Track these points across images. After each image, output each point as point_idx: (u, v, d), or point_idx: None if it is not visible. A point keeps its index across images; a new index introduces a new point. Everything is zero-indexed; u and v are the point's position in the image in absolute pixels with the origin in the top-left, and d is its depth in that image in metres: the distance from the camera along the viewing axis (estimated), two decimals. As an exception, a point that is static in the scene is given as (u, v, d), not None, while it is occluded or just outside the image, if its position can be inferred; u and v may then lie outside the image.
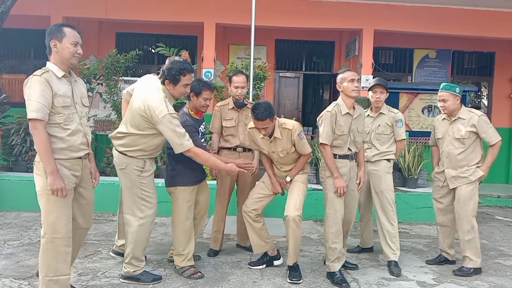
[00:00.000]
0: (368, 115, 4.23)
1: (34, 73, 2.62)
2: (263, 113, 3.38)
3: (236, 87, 4.04)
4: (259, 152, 3.92)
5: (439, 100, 3.91)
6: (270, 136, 3.58)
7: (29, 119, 2.53)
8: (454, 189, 3.93)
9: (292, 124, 3.58)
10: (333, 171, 3.51)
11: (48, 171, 2.57)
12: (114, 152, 3.29)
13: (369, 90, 4.18)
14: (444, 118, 3.99)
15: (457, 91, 3.83)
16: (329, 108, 3.61)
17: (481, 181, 3.87)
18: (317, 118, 3.72)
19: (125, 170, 3.21)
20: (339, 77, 3.61)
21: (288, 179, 3.69)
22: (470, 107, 4.26)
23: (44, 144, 2.54)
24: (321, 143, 3.56)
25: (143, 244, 3.31)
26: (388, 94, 4.17)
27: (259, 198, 3.74)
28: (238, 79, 4.05)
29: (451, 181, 3.92)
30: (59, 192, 2.60)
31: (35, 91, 2.52)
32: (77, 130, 2.71)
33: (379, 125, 4.15)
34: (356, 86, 3.52)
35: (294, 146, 3.58)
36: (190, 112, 3.59)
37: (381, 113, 4.16)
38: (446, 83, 3.92)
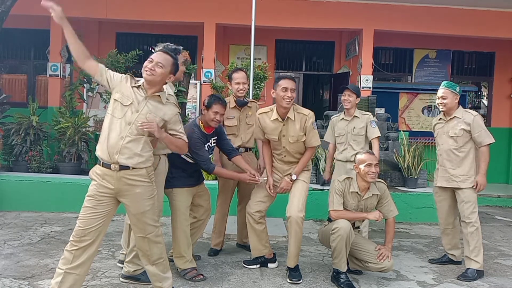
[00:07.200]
0: (343, 118, 4.52)
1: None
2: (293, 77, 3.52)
3: (238, 83, 4.00)
4: (261, 149, 3.90)
5: (438, 97, 3.98)
6: (283, 119, 3.52)
7: None
8: (451, 190, 3.95)
9: (308, 111, 3.56)
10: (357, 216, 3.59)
11: None
12: None
13: (341, 93, 4.53)
14: (440, 118, 4.05)
15: (457, 90, 3.92)
16: (340, 178, 3.64)
17: (479, 191, 3.83)
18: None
19: None
20: (357, 157, 3.57)
21: (294, 177, 3.59)
22: (469, 107, 4.31)
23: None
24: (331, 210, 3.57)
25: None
26: (358, 98, 4.47)
27: (262, 199, 3.68)
28: (239, 75, 4.03)
29: (444, 179, 3.94)
30: None
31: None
32: (112, 127, 2.70)
33: (354, 127, 4.44)
34: (373, 172, 3.45)
35: (305, 134, 3.52)
36: (200, 124, 3.57)
37: (355, 116, 4.45)
38: (447, 81, 4.02)
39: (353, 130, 4.44)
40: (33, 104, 6.55)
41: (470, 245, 3.79)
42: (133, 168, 2.68)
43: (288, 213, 3.49)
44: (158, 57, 2.78)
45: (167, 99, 2.87)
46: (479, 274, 3.78)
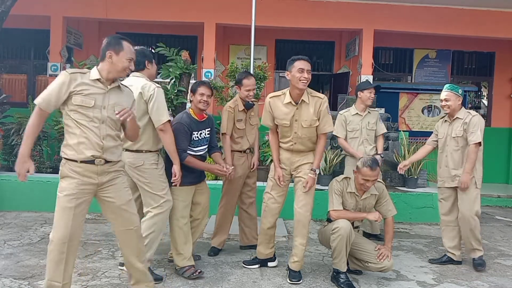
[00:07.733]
0: (357, 113, 4.62)
1: (67, 69, 2.72)
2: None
3: (248, 90, 4.01)
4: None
5: (441, 100, 4.07)
6: (296, 103, 3.43)
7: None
8: (456, 188, 4.01)
9: (322, 95, 3.53)
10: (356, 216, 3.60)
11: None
12: (125, 153, 3.22)
13: (364, 89, 4.59)
14: (446, 120, 4.13)
15: (459, 93, 4.03)
16: (338, 178, 3.65)
17: (463, 189, 3.91)
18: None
19: (142, 167, 3.23)
20: (359, 166, 3.51)
21: (317, 171, 3.50)
22: (469, 107, 4.40)
23: (28, 127, 2.60)
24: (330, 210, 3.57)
25: (159, 235, 3.33)
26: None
27: (277, 199, 3.62)
28: (250, 82, 4.03)
29: (450, 179, 4.03)
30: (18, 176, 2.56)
31: (54, 82, 2.61)
32: (88, 133, 2.63)
33: (368, 122, 4.57)
34: (367, 186, 3.47)
35: (319, 119, 3.44)
36: (190, 110, 3.58)
37: (368, 112, 4.59)
38: (450, 84, 4.13)
39: (368, 125, 4.58)
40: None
41: (471, 238, 3.95)
42: (114, 161, 2.74)
43: (297, 214, 3.48)
44: (132, 53, 2.77)
45: (125, 86, 2.89)
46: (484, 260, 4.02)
